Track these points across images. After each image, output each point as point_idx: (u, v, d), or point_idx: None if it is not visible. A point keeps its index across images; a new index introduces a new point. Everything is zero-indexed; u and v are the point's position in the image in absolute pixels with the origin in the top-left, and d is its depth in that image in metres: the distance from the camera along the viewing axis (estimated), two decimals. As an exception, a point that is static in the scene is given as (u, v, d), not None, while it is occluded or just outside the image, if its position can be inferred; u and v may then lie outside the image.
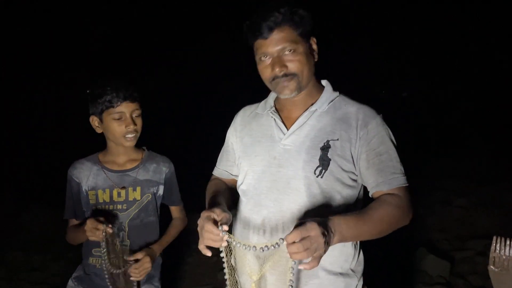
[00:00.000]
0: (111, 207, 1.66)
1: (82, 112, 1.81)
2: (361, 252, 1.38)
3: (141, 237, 1.70)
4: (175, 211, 1.88)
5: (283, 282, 1.07)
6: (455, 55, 9.34)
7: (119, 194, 1.67)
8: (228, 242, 1.11)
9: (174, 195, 1.83)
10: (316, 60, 1.38)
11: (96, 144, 1.81)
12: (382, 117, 1.34)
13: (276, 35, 1.27)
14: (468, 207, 4.42)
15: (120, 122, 1.60)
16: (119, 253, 1.57)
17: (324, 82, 1.45)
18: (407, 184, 1.29)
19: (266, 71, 1.33)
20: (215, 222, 1.14)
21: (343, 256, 1.30)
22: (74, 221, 1.73)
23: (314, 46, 1.37)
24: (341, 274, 1.30)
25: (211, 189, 1.50)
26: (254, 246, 1.05)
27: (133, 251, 1.65)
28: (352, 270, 1.33)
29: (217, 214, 1.16)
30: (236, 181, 1.50)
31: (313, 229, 1.02)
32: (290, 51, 1.29)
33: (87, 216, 1.67)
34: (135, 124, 1.61)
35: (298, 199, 1.28)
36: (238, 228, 1.41)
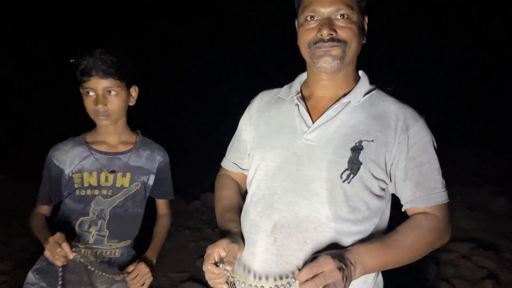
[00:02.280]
0: (96, 191, 1.46)
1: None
2: (380, 274, 1.21)
3: (121, 229, 1.50)
4: (162, 205, 1.68)
5: None
6: (442, 54, 9.31)
7: (106, 179, 1.47)
8: (232, 282, 0.98)
9: (165, 187, 1.64)
10: (364, 42, 1.19)
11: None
12: (425, 120, 1.15)
13: None
14: (454, 209, 4.38)
15: (91, 99, 1.40)
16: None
17: (360, 72, 1.24)
18: (448, 200, 1.12)
19: (309, 33, 1.13)
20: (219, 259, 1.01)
21: (361, 278, 1.09)
22: (45, 208, 1.51)
23: (366, 26, 1.18)
24: None
25: (221, 196, 1.31)
26: (262, 286, 0.94)
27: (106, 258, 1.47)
28: None
29: (224, 248, 1.03)
30: (246, 177, 1.30)
31: (326, 264, 0.91)
32: (343, 17, 1.10)
33: (64, 200, 1.48)
34: (105, 103, 1.39)
35: (318, 206, 1.09)
36: (244, 232, 1.20)
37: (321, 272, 0.90)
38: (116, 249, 1.50)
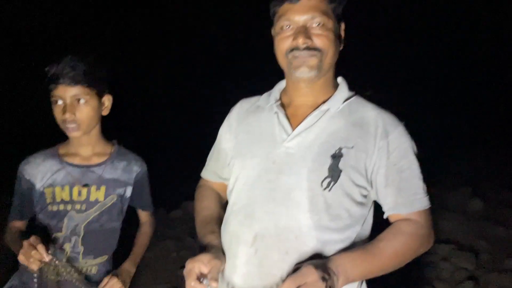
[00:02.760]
0: (68, 206, 1.40)
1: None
2: (364, 283, 1.20)
3: (97, 245, 1.45)
4: (144, 215, 1.64)
5: None
6: (425, 60, 9.50)
7: (79, 193, 1.41)
8: None
9: (144, 198, 1.59)
10: (341, 48, 1.18)
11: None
12: (405, 126, 1.15)
13: (308, 2, 1.09)
14: (433, 211, 4.45)
15: (59, 107, 1.34)
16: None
17: (339, 79, 1.24)
18: (429, 206, 1.13)
19: (285, 42, 1.11)
20: (201, 275, 0.98)
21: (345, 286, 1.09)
22: (18, 223, 1.45)
23: (343, 33, 1.18)
24: None
25: (201, 207, 1.29)
26: None
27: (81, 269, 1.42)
28: None
29: (205, 264, 1.00)
30: (226, 187, 1.28)
31: (309, 275, 0.90)
32: (318, 25, 1.09)
33: (37, 217, 1.42)
34: (73, 112, 1.33)
35: (298, 215, 1.07)
36: (225, 244, 1.17)
37: (304, 283, 0.89)
38: (92, 265, 1.45)
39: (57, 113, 1.35)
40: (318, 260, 0.98)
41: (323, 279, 0.90)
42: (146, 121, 7.41)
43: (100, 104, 1.42)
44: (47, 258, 1.19)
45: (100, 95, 1.41)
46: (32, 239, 1.20)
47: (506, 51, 8.50)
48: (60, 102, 1.34)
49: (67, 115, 1.33)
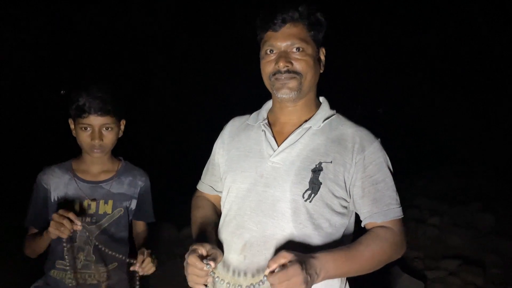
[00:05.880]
0: (80, 219, 1.53)
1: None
2: (347, 284, 1.28)
3: (108, 253, 1.56)
4: (142, 225, 1.74)
5: None
6: (433, 73, 9.51)
7: (89, 206, 1.56)
8: (213, 277, 1.05)
9: (145, 210, 1.71)
10: (321, 71, 1.30)
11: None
12: (380, 142, 1.26)
13: (288, 29, 1.22)
14: (441, 226, 4.45)
15: (87, 134, 1.51)
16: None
17: (321, 98, 1.36)
18: (402, 216, 1.22)
19: (268, 66, 1.24)
20: (202, 257, 1.07)
21: None
22: (34, 230, 1.58)
23: (322, 57, 1.31)
24: None
25: (197, 215, 1.39)
26: (240, 285, 1.04)
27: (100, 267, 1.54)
28: None
29: (207, 250, 1.10)
30: (220, 198, 1.39)
31: (295, 275, 0.97)
32: (298, 50, 1.22)
33: None
34: (101, 139, 1.51)
35: (283, 224, 1.17)
36: None
37: (287, 281, 0.97)
38: (104, 272, 1.57)
39: (85, 138, 1.51)
40: (305, 255, 1.04)
41: (305, 281, 0.99)
42: (158, 141, 7.54)
43: (119, 128, 1.59)
44: (79, 223, 1.34)
45: (119, 121, 1.58)
46: (61, 211, 1.34)
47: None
48: (88, 129, 1.50)
49: (96, 142, 1.50)
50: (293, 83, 1.22)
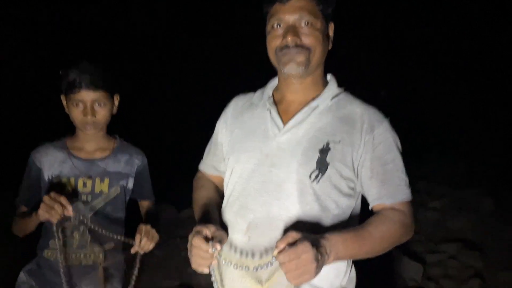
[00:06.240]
0: (75, 198, 1.50)
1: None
2: (353, 268, 1.25)
3: (103, 234, 1.53)
4: (146, 204, 1.72)
5: None
6: (437, 55, 9.40)
7: (84, 185, 1.51)
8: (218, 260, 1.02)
9: (145, 189, 1.68)
10: (329, 48, 1.24)
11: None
12: (390, 121, 1.21)
13: (296, 2, 1.16)
14: (442, 210, 4.44)
15: (79, 110, 1.46)
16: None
17: (329, 76, 1.30)
18: (411, 198, 1.18)
19: (275, 40, 1.18)
20: (206, 239, 1.03)
21: (333, 271, 1.15)
22: (25, 209, 1.54)
23: (331, 33, 1.25)
24: None
25: (200, 196, 1.35)
26: (247, 266, 1.00)
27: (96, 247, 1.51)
28: None
29: (211, 231, 1.05)
30: (223, 179, 1.35)
31: (305, 252, 0.93)
32: (307, 24, 1.16)
33: None
34: (94, 115, 1.46)
35: (289, 205, 1.14)
36: None
37: (298, 258, 0.93)
38: (100, 253, 1.54)
39: (77, 114, 1.46)
40: (314, 236, 1.00)
41: (316, 259, 0.95)
42: (156, 121, 7.52)
43: (113, 104, 1.54)
44: (70, 208, 1.29)
45: (113, 97, 1.53)
46: (53, 193, 1.29)
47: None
48: (80, 105, 1.45)
49: (89, 118, 1.45)
50: (301, 58, 1.16)
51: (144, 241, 1.36)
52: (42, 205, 1.28)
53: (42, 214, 1.28)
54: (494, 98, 8.00)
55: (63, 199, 1.28)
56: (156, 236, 1.40)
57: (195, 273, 3.20)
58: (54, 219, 1.28)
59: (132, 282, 1.46)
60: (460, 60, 8.83)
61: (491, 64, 8.51)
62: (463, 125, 7.70)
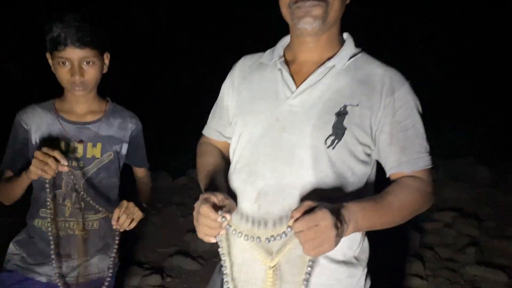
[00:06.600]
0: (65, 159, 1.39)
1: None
2: (366, 239, 1.20)
3: (97, 200, 1.43)
4: (140, 172, 1.63)
5: (298, 272, 0.98)
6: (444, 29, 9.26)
7: (75, 150, 1.41)
8: (227, 230, 0.95)
9: (140, 155, 1.58)
10: (347, 2, 1.14)
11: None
12: (411, 84, 1.12)
13: None
14: (437, 179, 4.45)
15: (66, 69, 1.33)
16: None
17: (345, 35, 1.20)
18: (432, 165, 1.11)
19: None
20: (215, 207, 0.94)
21: (346, 242, 1.08)
22: (10, 174, 1.42)
23: None
24: (343, 262, 1.11)
25: (204, 162, 1.26)
26: (259, 237, 0.91)
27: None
28: (356, 258, 1.14)
29: (220, 199, 0.97)
30: (229, 145, 1.26)
31: (324, 219, 0.86)
32: None
33: None
34: (82, 75, 1.33)
35: (302, 172, 1.06)
36: None
37: (316, 225, 0.86)
38: (93, 220, 1.46)
39: (64, 74, 1.34)
40: (333, 205, 0.94)
41: (335, 226, 0.88)
42: (151, 84, 7.41)
43: (103, 63, 1.41)
44: (65, 162, 1.20)
45: (102, 55, 1.40)
46: (45, 148, 1.20)
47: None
48: (67, 64, 1.32)
49: (77, 78, 1.33)
50: (317, 11, 1.05)
51: (123, 219, 1.28)
52: (34, 161, 1.18)
53: (35, 171, 1.18)
54: (499, 94, 7.94)
55: (57, 153, 1.19)
56: (138, 214, 1.32)
57: (191, 239, 3.25)
58: (48, 175, 1.19)
59: (112, 255, 1.40)
60: (464, 55, 8.74)
61: (494, 59, 8.45)
62: (458, 97, 7.68)
